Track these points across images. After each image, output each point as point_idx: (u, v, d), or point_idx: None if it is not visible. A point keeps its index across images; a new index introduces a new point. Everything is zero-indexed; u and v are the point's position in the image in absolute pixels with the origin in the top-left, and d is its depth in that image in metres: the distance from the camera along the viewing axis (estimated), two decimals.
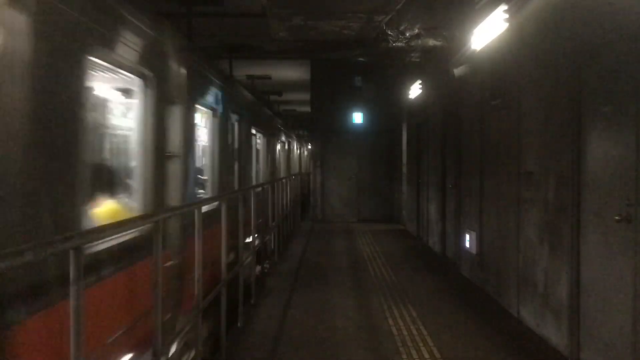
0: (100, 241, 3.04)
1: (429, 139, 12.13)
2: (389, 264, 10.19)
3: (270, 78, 15.76)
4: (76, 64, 3.02)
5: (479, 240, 8.03)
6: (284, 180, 12.54)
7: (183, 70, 5.03)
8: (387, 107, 16.97)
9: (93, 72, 3.35)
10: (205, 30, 9.10)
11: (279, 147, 14.43)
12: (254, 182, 9.67)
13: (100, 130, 4.16)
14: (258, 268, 8.75)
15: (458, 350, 5.54)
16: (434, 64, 10.63)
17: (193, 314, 4.41)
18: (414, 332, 6.08)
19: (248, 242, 7.48)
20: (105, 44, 3.41)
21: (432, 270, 9.62)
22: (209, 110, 6.45)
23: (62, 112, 2.87)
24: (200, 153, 6.73)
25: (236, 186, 7.87)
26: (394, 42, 8.90)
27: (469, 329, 6.21)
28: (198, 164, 6.37)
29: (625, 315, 4.18)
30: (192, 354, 4.77)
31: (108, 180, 4.22)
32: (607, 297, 4.51)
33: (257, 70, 14.64)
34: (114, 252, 3.39)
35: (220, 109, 6.65)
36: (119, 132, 4.45)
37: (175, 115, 4.74)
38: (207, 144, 6.72)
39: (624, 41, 4.27)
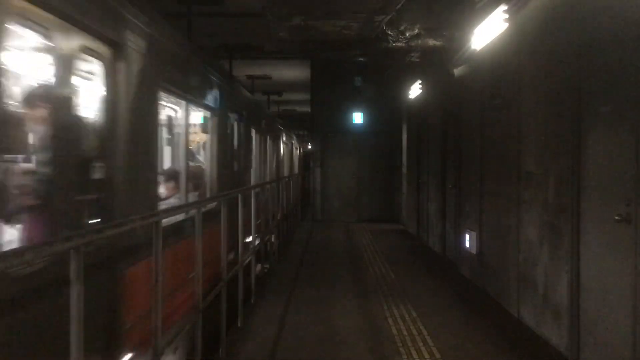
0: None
1: (429, 139, 12.12)
2: (389, 263, 10.18)
3: (270, 78, 15.77)
4: None
5: (479, 240, 8.03)
6: (281, 181, 12.54)
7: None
8: (387, 107, 16.96)
9: None
10: (205, 30, 9.10)
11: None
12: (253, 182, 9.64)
13: None
14: (258, 267, 8.75)
15: (458, 350, 5.54)
16: (434, 64, 10.63)
17: (193, 313, 4.42)
18: (414, 332, 6.08)
19: (248, 242, 7.48)
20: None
21: (432, 270, 9.62)
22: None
23: None
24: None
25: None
26: (394, 42, 8.90)
27: (469, 329, 6.20)
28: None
29: (625, 315, 4.18)
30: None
31: None
32: (607, 297, 4.51)
33: (257, 70, 14.65)
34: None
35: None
36: None
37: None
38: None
39: (623, 41, 4.27)
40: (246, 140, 8.40)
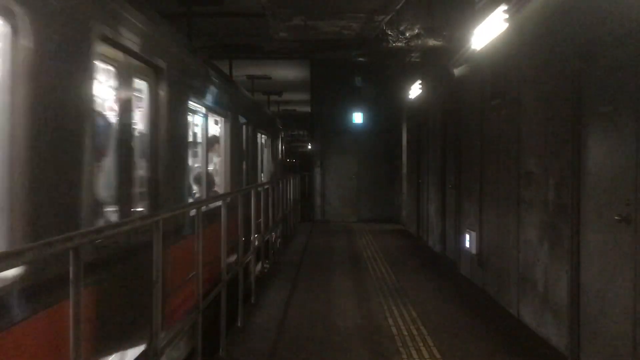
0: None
1: (429, 139, 12.13)
2: (389, 263, 10.19)
3: (270, 78, 15.79)
4: None
5: (479, 240, 8.03)
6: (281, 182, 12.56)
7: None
8: (387, 107, 16.98)
9: None
10: (205, 30, 9.11)
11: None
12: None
13: None
14: (258, 267, 8.76)
15: (458, 350, 5.54)
16: (434, 64, 10.63)
17: (193, 313, 4.42)
18: (414, 332, 6.08)
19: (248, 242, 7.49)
20: None
21: (432, 270, 9.62)
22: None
23: None
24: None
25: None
26: (394, 42, 8.90)
27: (469, 329, 6.21)
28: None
29: (625, 315, 4.19)
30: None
31: None
32: (607, 297, 4.51)
33: (257, 70, 14.67)
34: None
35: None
36: None
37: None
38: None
39: (623, 41, 4.27)
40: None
